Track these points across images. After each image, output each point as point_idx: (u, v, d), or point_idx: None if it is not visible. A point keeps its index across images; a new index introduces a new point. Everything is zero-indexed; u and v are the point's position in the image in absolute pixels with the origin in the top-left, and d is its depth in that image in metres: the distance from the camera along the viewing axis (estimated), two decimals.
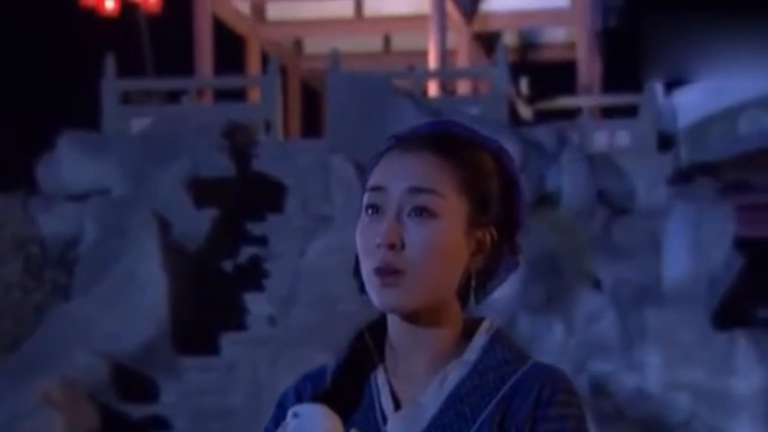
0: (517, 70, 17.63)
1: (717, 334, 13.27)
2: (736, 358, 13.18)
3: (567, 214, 13.92)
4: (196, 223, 13.07)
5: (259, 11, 18.71)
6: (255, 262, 13.38)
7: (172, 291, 12.18)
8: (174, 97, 16.41)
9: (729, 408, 12.85)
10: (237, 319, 12.72)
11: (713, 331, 13.29)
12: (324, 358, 1.94)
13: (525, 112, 17.50)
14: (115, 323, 11.90)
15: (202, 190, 13.41)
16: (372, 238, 1.79)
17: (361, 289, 1.83)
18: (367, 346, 1.86)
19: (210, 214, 13.26)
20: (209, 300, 12.70)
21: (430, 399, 1.80)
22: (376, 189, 1.81)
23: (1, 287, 13.03)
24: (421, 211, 1.78)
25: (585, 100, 17.54)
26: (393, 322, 1.84)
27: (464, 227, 1.80)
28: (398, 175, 1.79)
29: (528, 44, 19.61)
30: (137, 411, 11.88)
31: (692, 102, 16.63)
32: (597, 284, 13.55)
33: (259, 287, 13.14)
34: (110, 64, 15.67)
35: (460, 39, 18.40)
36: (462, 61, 18.38)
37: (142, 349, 11.89)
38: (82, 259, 12.97)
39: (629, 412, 12.86)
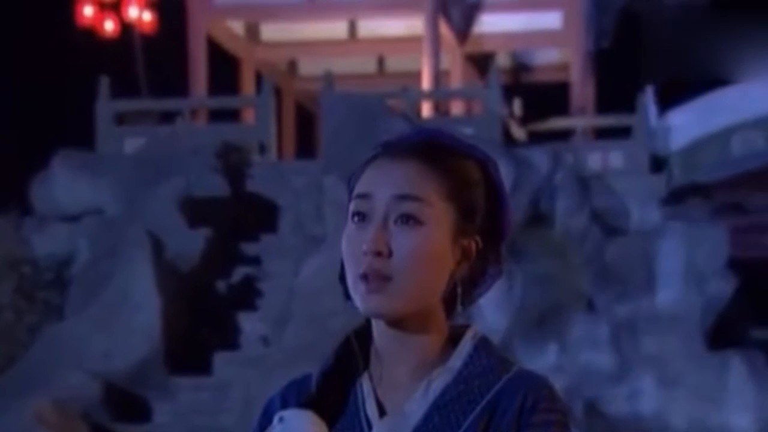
0: (510, 91, 17.68)
1: (711, 355, 13.28)
2: (730, 379, 13.18)
3: (560, 234, 13.94)
4: (190, 243, 13.08)
5: (253, 32, 18.76)
6: (248, 282, 13.39)
7: (165, 310, 12.18)
8: (168, 117, 16.44)
9: (723, 430, 12.85)
10: (230, 339, 12.72)
11: (707, 352, 13.30)
12: None
13: (518, 133, 17.54)
14: (108, 343, 11.90)
15: (195, 210, 13.43)
16: (358, 245, 1.80)
17: (347, 295, 1.84)
18: (353, 353, 1.87)
19: (204, 234, 13.28)
20: (202, 319, 12.70)
21: (415, 406, 1.81)
22: (363, 196, 1.82)
23: None
24: (408, 219, 1.79)
25: (578, 121, 17.59)
26: (378, 329, 1.85)
27: (450, 235, 1.81)
28: (385, 182, 1.80)
29: (521, 65, 19.67)
30: (129, 431, 11.87)
31: (685, 123, 16.67)
32: (590, 305, 13.57)
33: (252, 307, 13.14)
34: (105, 84, 15.71)
35: (453, 60, 18.46)
36: (455, 82, 18.44)
37: (135, 368, 11.88)
38: (76, 279, 12.97)
39: None
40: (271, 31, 18.71)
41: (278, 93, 17.83)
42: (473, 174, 1.84)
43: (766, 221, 18.07)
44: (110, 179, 13.83)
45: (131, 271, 12.27)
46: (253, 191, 14.28)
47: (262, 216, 13.96)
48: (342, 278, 1.85)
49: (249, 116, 16.99)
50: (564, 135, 17.04)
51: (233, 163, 14.31)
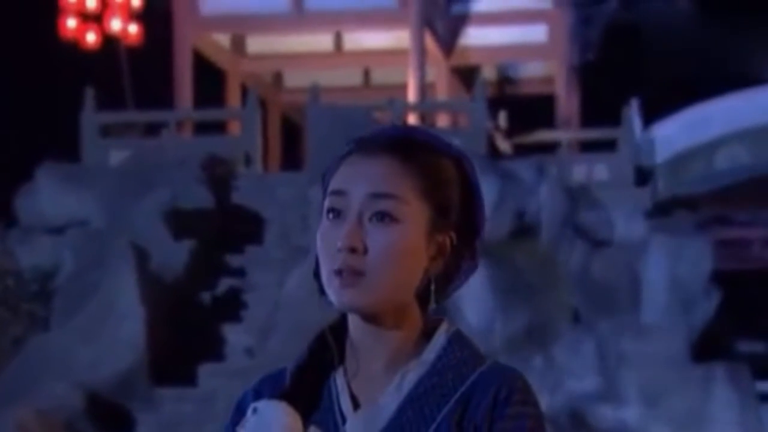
0: (495, 103, 17.73)
1: (695, 366, 13.30)
2: (715, 391, 13.20)
3: (546, 246, 13.97)
4: (175, 255, 13.07)
5: (239, 45, 18.78)
6: (233, 294, 13.38)
7: (149, 322, 12.17)
8: (154, 129, 16.43)
9: None
10: (214, 350, 12.71)
11: (691, 363, 13.33)
12: None
13: (504, 145, 17.58)
14: (93, 354, 11.88)
15: (181, 222, 13.42)
16: (333, 241, 1.81)
17: (321, 291, 1.84)
18: (329, 347, 1.87)
19: (189, 245, 13.27)
20: (187, 331, 12.68)
21: (389, 399, 1.81)
22: (338, 193, 1.82)
23: None
24: (383, 216, 1.79)
25: (563, 134, 17.64)
26: (353, 323, 1.85)
27: (425, 232, 1.81)
28: (359, 179, 1.81)
29: (507, 78, 19.72)
30: None
31: (670, 136, 16.73)
32: (576, 317, 13.58)
33: (237, 318, 13.13)
34: (90, 96, 15.70)
35: (439, 73, 18.50)
36: (441, 94, 18.48)
37: (119, 379, 11.86)
38: (60, 290, 12.95)
39: None
40: (256, 44, 18.73)
41: (264, 105, 17.85)
42: (448, 171, 1.85)
43: (750, 234, 18.13)
44: (95, 191, 13.82)
45: (116, 282, 12.26)
46: (238, 203, 14.28)
47: (247, 227, 13.96)
48: (316, 274, 1.85)
49: (235, 128, 17.00)
50: (549, 148, 17.08)
51: (219, 174, 14.32)
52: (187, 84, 17.62)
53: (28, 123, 19.63)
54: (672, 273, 13.86)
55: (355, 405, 1.83)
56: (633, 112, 16.45)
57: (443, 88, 18.59)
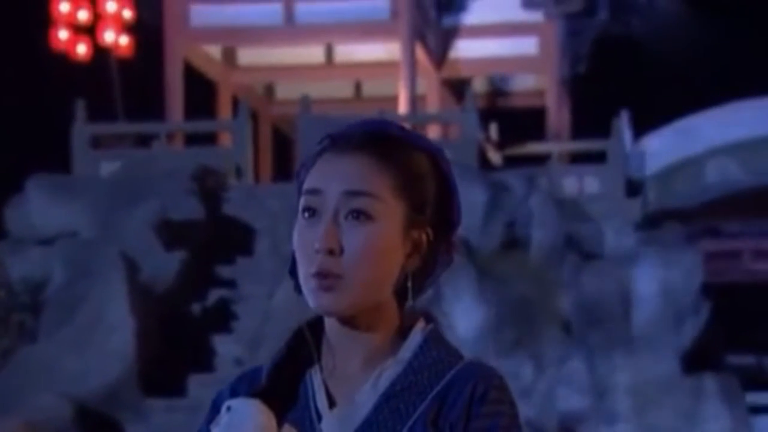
0: (486, 115, 17.77)
1: (685, 378, 13.31)
2: (705, 403, 13.22)
3: (536, 258, 13.97)
4: (165, 266, 13.07)
5: (230, 57, 18.80)
6: (224, 305, 13.38)
7: (139, 332, 12.16)
8: (145, 141, 16.44)
9: None
10: (204, 361, 12.70)
11: (682, 375, 13.34)
12: None
13: (494, 157, 17.61)
14: (82, 365, 11.86)
15: (171, 233, 13.42)
16: (310, 242, 1.80)
17: (297, 289, 1.85)
18: (306, 345, 1.87)
19: (179, 256, 13.26)
20: (177, 341, 12.67)
21: (365, 397, 1.81)
22: (313, 192, 1.82)
23: None
24: (359, 215, 1.79)
25: (554, 146, 17.68)
26: (329, 324, 1.85)
27: (401, 228, 1.81)
28: (334, 177, 1.80)
29: (497, 91, 19.77)
30: None
31: (660, 148, 16.76)
32: (566, 328, 13.59)
33: (227, 329, 13.13)
34: (81, 108, 15.71)
35: (430, 85, 18.53)
36: (432, 106, 18.51)
37: (108, 390, 11.85)
38: (50, 301, 12.94)
39: None
40: (248, 56, 18.76)
41: (255, 117, 17.87)
42: (423, 166, 1.84)
43: (740, 246, 18.18)
44: (85, 202, 13.81)
45: (106, 293, 12.25)
46: (229, 214, 14.29)
47: (238, 239, 13.96)
48: (292, 272, 1.86)
49: (226, 140, 17.01)
50: (540, 159, 17.11)
51: (209, 186, 14.32)
52: (178, 96, 17.63)
53: (19, 134, 19.63)
54: (662, 285, 13.87)
55: (331, 403, 1.83)
56: (623, 124, 16.48)
57: (434, 100, 18.63)
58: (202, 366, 12.62)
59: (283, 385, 1.83)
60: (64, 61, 17.41)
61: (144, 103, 17.25)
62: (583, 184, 15.96)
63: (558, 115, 18.60)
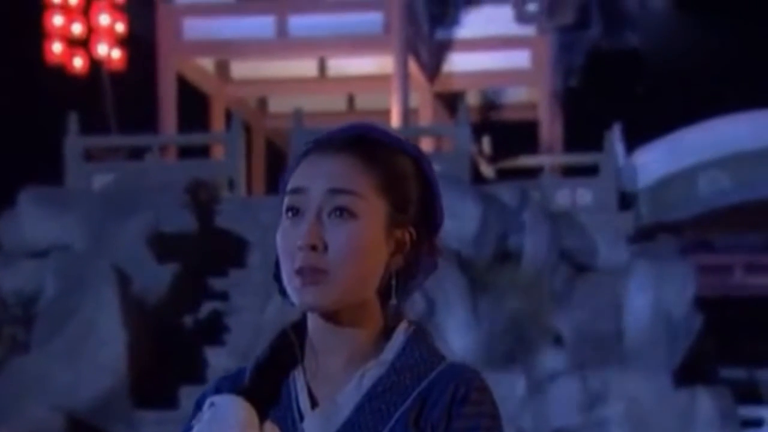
0: (479, 129, 17.80)
1: (678, 391, 13.32)
2: (698, 416, 13.22)
3: (529, 271, 13.98)
4: (158, 278, 13.06)
5: (223, 70, 18.82)
6: (216, 317, 13.37)
7: (131, 344, 12.15)
8: (137, 154, 16.45)
9: None
10: (197, 373, 12.67)
11: (674, 388, 13.34)
12: None
13: (487, 170, 17.64)
14: (73, 377, 11.85)
15: (163, 245, 13.41)
16: (293, 240, 1.81)
17: (282, 292, 1.85)
18: (290, 346, 1.87)
19: (171, 268, 13.26)
20: (169, 354, 12.66)
21: (347, 397, 1.82)
22: (296, 191, 1.83)
23: None
24: (341, 212, 1.80)
25: (546, 159, 17.70)
26: (313, 322, 1.86)
27: (384, 227, 1.82)
28: (318, 177, 1.82)
29: (490, 104, 19.81)
30: None
31: (652, 161, 16.79)
32: (559, 341, 13.59)
33: (219, 341, 13.12)
34: (73, 121, 15.72)
35: (422, 98, 18.56)
36: (425, 120, 18.54)
37: (100, 402, 11.83)
38: (42, 313, 12.93)
39: None
40: (241, 69, 18.78)
41: (248, 130, 17.87)
42: (405, 167, 1.86)
43: (733, 260, 18.20)
44: (78, 215, 13.80)
45: (97, 305, 12.24)
46: (222, 227, 14.29)
47: (231, 251, 13.96)
48: (276, 276, 1.86)
49: (219, 153, 17.02)
50: (532, 173, 17.13)
51: (202, 198, 14.32)
52: (171, 109, 17.64)
53: (11, 147, 19.62)
54: (655, 298, 13.88)
55: (314, 404, 1.84)
56: (615, 137, 16.51)
57: (427, 113, 18.65)
58: (194, 378, 12.60)
59: (266, 385, 1.84)
60: (56, 74, 17.42)
61: (137, 116, 17.26)
62: (575, 197, 15.98)
63: (550, 128, 18.63)
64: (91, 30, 17.34)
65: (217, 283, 13.68)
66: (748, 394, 15.75)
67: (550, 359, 13.31)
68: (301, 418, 1.83)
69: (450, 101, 18.57)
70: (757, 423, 15.58)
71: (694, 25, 19.62)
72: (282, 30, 17.59)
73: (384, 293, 1.85)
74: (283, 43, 17.61)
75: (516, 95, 19.80)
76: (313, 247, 1.80)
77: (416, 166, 1.88)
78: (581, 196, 16.00)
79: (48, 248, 13.74)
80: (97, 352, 12.03)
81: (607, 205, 15.74)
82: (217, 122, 18.65)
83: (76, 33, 17.33)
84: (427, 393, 1.81)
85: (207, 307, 13.42)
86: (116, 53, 17.50)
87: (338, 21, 17.29)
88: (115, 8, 17.46)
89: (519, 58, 18.47)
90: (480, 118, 19.02)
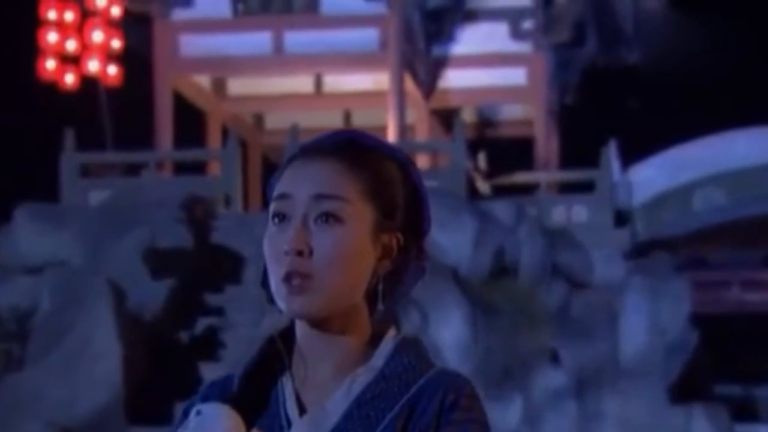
0: (475, 145, 17.84)
1: (674, 408, 13.31)
2: (694, 431, 13.22)
3: (525, 287, 13.98)
4: (153, 293, 13.06)
5: (219, 86, 18.85)
6: (211, 333, 13.37)
7: (126, 360, 12.14)
8: (133, 170, 16.46)
9: None
10: (192, 389, 12.62)
11: (670, 405, 13.33)
12: None
13: (483, 186, 17.65)
14: (68, 392, 11.83)
15: (159, 261, 13.41)
16: (280, 245, 1.81)
17: (270, 300, 1.85)
18: (278, 353, 1.87)
19: (167, 284, 13.26)
20: (164, 369, 12.64)
21: (336, 404, 1.81)
22: (282, 197, 1.83)
23: None
24: (327, 217, 1.80)
25: (542, 176, 17.71)
26: (301, 329, 1.85)
27: (370, 232, 1.82)
28: (303, 182, 1.81)
29: (486, 120, 19.84)
30: None
31: (648, 178, 16.81)
32: (554, 357, 13.59)
33: (215, 357, 13.11)
34: (69, 137, 15.73)
35: (419, 115, 18.60)
36: (421, 136, 18.57)
37: (95, 417, 11.81)
38: (37, 329, 12.91)
39: None
40: (237, 86, 18.80)
41: (244, 146, 17.90)
42: (392, 172, 1.85)
43: (728, 276, 18.19)
44: (74, 231, 13.81)
45: (92, 320, 12.24)
46: (218, 242, 14.29)
47: (227, 267, 13.96)
48: (264, 284, 1.86)
49: (215, 169, 17.03)
50: (528, 189, 17.15)
51: (198, 214, 14.33)
52: (167, 125, 17.66)
53: (7, 163, 19.62)
54: (651, 315, 13.88)
55: (302, 410, 1.83)
56: (611, 154, 16.54)
57: (423, 130, 18.68)
58: (189, 394, 12.52)
59: (253, 392, 1.83)
60: (52, 90, 17.43)
61: (133, 132, 17.27)
62: (571, 213, 15.99)
63: (546, 144, 18.66)
64: (85, 47, 17.36)
65: (212, 299, 13.67)
66: (744, 412, 15.73)
67: (546, 375, 13.30)
68: (289, 425, 1.82)
69: (446, 118, 18.60)
70: None
71: (689, 42, 19.67)
72: (278, 46, 17.63)
73: (372, 299, 1.84)
74: (280, 60, 17.65)
75: (512, 112, 19.84)
76: (300, 253, 1.79)
77: (403, 171, 1.87)
78: (577, 212, 16.01)
79: (44, 264, 13.74)
80: (93, 367, 12.01)
81: (602, 221, 15.76)
82: (214, 138, 18.66)
83: (71, 50, 17.35)
84: (416, 400, 1.80)
85: (202, 323, 13.42)
86: (112, 69, 17.51)
87: (335, 37, 17.33)
88: (111, 25, 17.48)
89: (515, 75, 18.50)
90: (476, 134, 19.06)
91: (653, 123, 19.94)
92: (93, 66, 17.19)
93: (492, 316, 13.41)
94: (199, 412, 1.76)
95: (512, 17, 18.39)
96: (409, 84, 17.91)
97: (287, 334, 1.89)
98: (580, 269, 14.39)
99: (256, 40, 17.57)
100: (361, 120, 19.59)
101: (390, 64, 17.38)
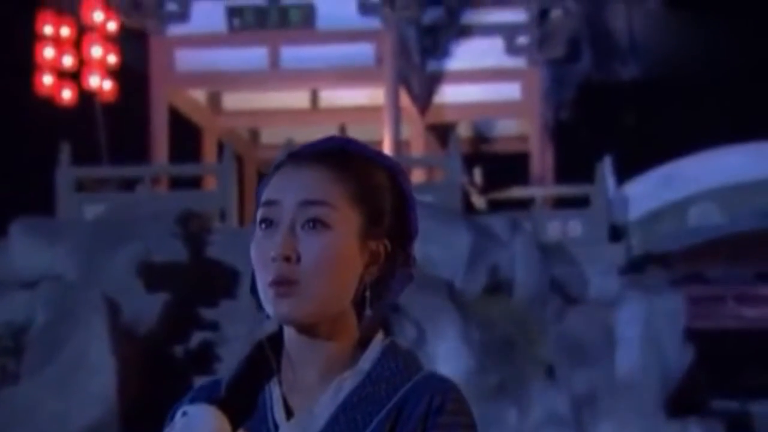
0: (470, 160, 17.86)
1: (670, 423, 13.31)
2: None
3: (520, 302, 13.99)
4: (148, 308, 13.05)
5: (215, 101, 18.87)
6: (206, 347, 13.35)
7: (121, 374, 12.12)
8: (129, 184, 16.47)
9: None
10: None
11: (666, 420, 13.33)
12: None
13: (478, 201, 17.67)
14: (64, 406, 11.81)
15: (154, 275, 13.41)
16: (267, 251, 1.81)
17: (258, 306, 1.85)
18: (266, 358, 1.87)
19: (162, 298, 13.25)
20: (159, 383, 12.62)
21: (323, 408, 1.82)
22: (270, 203, 1.83)
23: None
24: (314, 223, 1.80)
25: (538, 191, 17.74)
26: (289, 334, 1.86)
27: (358, 238, 1.82)
28: (291, 188, 1.82)
29: (481, 135, 19.88)
30: None
31: (643, 193, 16.84)
32: (550, 372, 13.58)
33: (209, 371, 13.08)
34: (65, 151, 15.74)
35: (414, 130, 18.63)
36: (416, 151, 18.60)
37: (90, 431, 11.79)
38: (31, 343, 12.90)
39: None
40: (233, 100, 18.83)
41: (240, 161, 17.91)
42: (379, 178, 1.86)
43: (723, 291, 18.20)
44: (69, 245, 13.80)
45: (87, 334, 12.23)
46: (213, 257, 14.29)
47: (222, 281, 13.95)
48: (253, 290, 1.86)
49: (211, 184, 17.04)
50: (523, 204, 17.17)
51: (193, 229, 14.33)
52: (163, 140, 17.68)
53: (3, 178, 19.63)
54: (646, 329, 13.89)
55: (289, 414, 1.83)
56: (606, 169, 16.56)
57: (419, 145, 18.71)
58: None
59: (241, 396, 1.83)
60: (48, 105, 17.45)
61: (129, 147, 17.30)
62: (566, 228, 16.01)
63: (541, 159, 18.69)
64: (82, 62, 17.39)
65: (207, 313, 13.67)
66: (740, 427, 15.72)
67: (541, 390, 13.29)
68: (276, 428, 1.82)
69: (441, 133, 18.63)
70: None
71: (684, 58, 19.71)
72: (274, 62, 17.66)
73: (359, 305, 1.84)
74: (275, 75, 17.68)
75: (507, 127, 19.87)
76: (287, 258, 1.79)
77: (390, 177, 1.88)
78: (572, 227, 16.03)
79: (39, 278, 13.73)
80: (88, 381, 12.00)
81: (598, 236, 15.77)
82: (209, 153, 18.68)
83: (67, 65, 17.37)
84: (403, 403, 1.80)
85: (197, 337, 13.41)
86: (108, 84, 17.54)
87: (330, 53, 17.37)
88: (107, 40, 17.52)
89: (510, 90, 18.54)
90: (471, 149, 19.09)
91: (648, 138, 19.97)
92: (93, 81, 17.22)
93: (487, 331, 13.41)
94: (185, 413, 1.76)
95: (507, 33, 18.44)
96: (405, 99, 17.94)
97: (276, 339, 1.89)
98: (575, 284, 14.40)
99: (252, 55, 17.60)
100: (356, 135, 19.57)
101: (385, 79, 17.41)
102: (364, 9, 17.56)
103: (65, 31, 17.40)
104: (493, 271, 14.06)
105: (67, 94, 17.43)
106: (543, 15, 18.37)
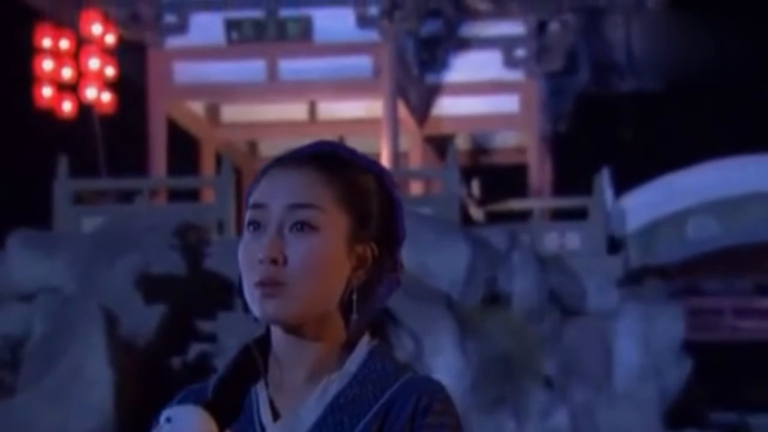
0: (468, 172, 17.87)
1: None
2: None
3: (518, 314, 13.99)
4: (146, 320, 13.05)
5: (213, 114, 18.88)
6: (204, 359, 13.34)
7: (118, 386, 12.11)
8: (127, 197, 16.47)
9: None
10: None
11: None
12: None
13: (476, 213, 17.67)
14: (61, 418, 11.80)
15: (152, 287, 13.41)
16: (254, 254, 1.83)
17: (245, 308, 1.86)
18: (254, 361, 1.88)
19: (160, 310, 13.25)
20: (157, 395, 12.61)
21: (309, 410, 1.82)
22: (258, 206, 1.84)
23: None
24: (302, 226, 1.81)
25: (535, 203, 17.75)
26: (276, 335, 1.87)
27: (345, 242, 1.83)
28: (279, 191, 1.83)
29: (479, 148, 19.90)
30: None
31: (641, 206, 16.85)
32: (549, 384, 13.58)
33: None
34: (63, 164, 15.75)
35: (412, 142, 18.64)
36: (415, 163, 18.61)
37: None
38: (29, 355, 12.89)
39: None
40: (231, 113, 18.84)
41: (238, 173, 17.92)
42: (367, 182, 1.87)
43: (721, 303, 18.22)
44: (67, 258, 13.80)
45: (85, 346, 12.22)
46: (211, 269, 14.28)
47: (219, 293, 13.95)
48: (240, 292, 1.87)
49: (209, 196, 17.05)
50: (521, 216, 17.17)
51: (191, 241, 14.33)
52: (161, 152, 17.69)
53: (0, 190, 19.63)
54: (644, 342, 13.89)
55: (276, 416, 1.83)
56: (604, 181, 16.57)
57: (417, 157, 18.72)
58: None
59: (228, 398, 1.84)
60: (46, 117, 17.47)
61: (127, 160, 17.31)
62: (564, 240, 16.01)
63: (539, 172, 18.70)
64: (80, 74, 17.41)
65: (205, 325, 13.66)
66: None
67: (540, 402, 13.29)
68: (263, 430, 1.83)
69: (439, 145, 18.65)
70: None
71: (681, 70, 19.74)
72: (272, 74, 17.68)
73: (346, 308, 1.85)
74: (274, 87, 17.69)
75: (505, 139, 19.89)
76: (274, 261, 1.80)
77: (378, 182, 1.88)
78: (570, 239, 16.04)
79: (36, 291, 13.72)
80: (85, 394, 11.99)
81: (595, 248, 15.77)
82: (208, 165, 18.69)
83: (66, 77, 17.39)
84: (390, 404, 1.80)
85: (195, 349, 13.40)
86: (106, 97, 17.55)
87: (328, 65, 17.39)
88: (105, 52, 17.54)
89: (508, 103, 18.57)
90: (469, 161, 19.11)
91: (646, 150, 19.99)
92: (89, 93, 17.24)
93: (485, 343, 13.41)
94: (169, 419, 1.76)
95: (505, 45, 18.47)
96: (403, 111, 17.95)
97: (263, 342, 1.90)
98: (573, 296, 14.40)
99: (250, 68, 17.62)
100: (355, 146, 19.54)
101: (384, 92, 17.43)
102: (363, 22, 17.59)
103: (64, 44, 17.42)
104: (491, 283, 14.07)
105: (67, 107, 17.45)
106: (541, 28, 18.40)
